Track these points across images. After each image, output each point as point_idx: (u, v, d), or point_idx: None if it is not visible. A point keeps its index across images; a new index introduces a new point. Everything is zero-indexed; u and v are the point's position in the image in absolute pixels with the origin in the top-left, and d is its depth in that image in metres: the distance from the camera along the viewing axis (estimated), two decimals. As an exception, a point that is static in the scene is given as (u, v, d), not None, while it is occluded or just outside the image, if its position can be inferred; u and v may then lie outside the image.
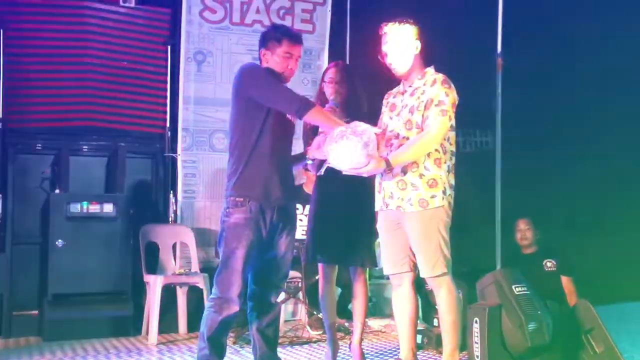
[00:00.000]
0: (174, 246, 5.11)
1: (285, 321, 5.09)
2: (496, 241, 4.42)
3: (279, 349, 3.43)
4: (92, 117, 5.21)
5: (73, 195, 4.83)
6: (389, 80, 3.40)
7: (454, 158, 3.20)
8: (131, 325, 4.80)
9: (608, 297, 3.86)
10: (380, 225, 3.33)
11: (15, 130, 4.98)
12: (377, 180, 3.28)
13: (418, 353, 3.56)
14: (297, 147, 3.53)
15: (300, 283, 4.92)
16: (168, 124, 5.36)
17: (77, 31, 5.19)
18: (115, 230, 4.83)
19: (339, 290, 4.95)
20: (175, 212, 5.23)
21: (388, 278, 3.38)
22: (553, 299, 4.10)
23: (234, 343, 4.48)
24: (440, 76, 3.17)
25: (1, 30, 4.86)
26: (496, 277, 3.80)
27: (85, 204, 4.76)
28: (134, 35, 5.35)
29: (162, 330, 4.66)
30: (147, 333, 4.67)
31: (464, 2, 5.13)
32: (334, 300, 3.87)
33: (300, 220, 4.81)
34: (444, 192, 3.11)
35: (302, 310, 5.13)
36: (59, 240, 4.66)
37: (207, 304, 3.14)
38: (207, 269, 4.90)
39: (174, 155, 5.29)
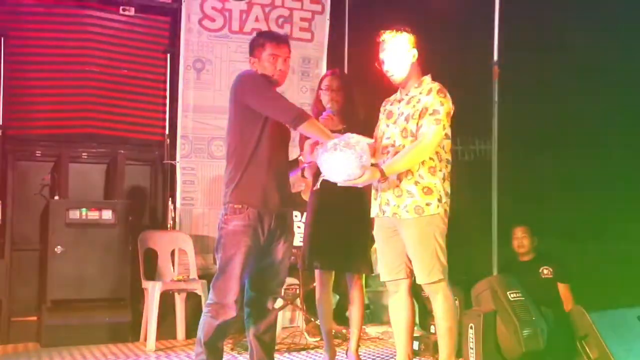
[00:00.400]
0: (172, 253, 5.15)
1: (283, 328, 5.10)
2: (493, 249, 4.46)
3: (276, 356, 3.47)
4: (91, 124, 5.26)
5: (72, 202, 4.86)
6: (387, 88, 3.44)
7: (449, 166, 3.24)
8: (129, 332, 4.83)
9: (603, 303, 3.89)
10: (376, 232, 3.37)
11: (15, 137, 5.02)
12: (373, 187, 3.33)
13: (415, 359, 3.60)
14: (294, 154, 3.57)
15: (298, 290, 4.95)
16: (167, 132, 5.39)
17: (77, 39, 5.24)
18: (114, 237, 4.86)
19: (337, 297, 4.99)
20: (173, 219, 5.26)
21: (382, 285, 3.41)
22: (550, 305, 4.14)
23: (232, 349, 4.52)
24: (436, 85, 3.21)
25: (2, 38, 4.91)
26: (491, 283, 3.84)
27: (84, 210, 4.79)
28: (134, 44, 5.40)
29: (160, 336, 4.69)
30: (145, 339, 4.69)
31: (461, 11, 5.18)
32: (330, 306, 3.91)
33: (298, 227, 4.86)
34: (439, 200, 3.15)
35: (299, 317, 5.15)
36: (58, 247, 4.69)
37: (204, 309, 3.18)
38: (206, 275, 4.93)
39: (172, 162, 5.33)
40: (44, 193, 5.13)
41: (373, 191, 3.34)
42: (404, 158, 3.13)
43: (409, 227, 3.17)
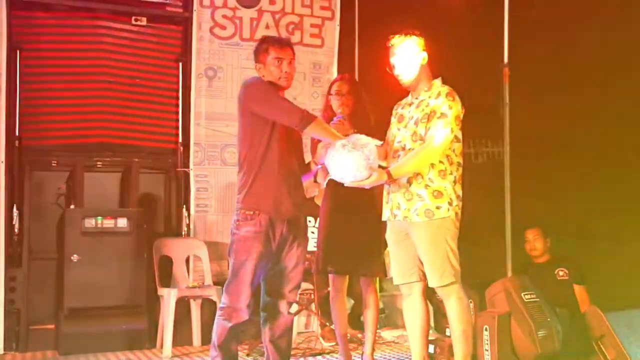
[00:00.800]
0: (187, 260, 5.18)
1: (298, 333, 5.09)
2: (507, 251, 4.44)
3: (292, 361, 3.48)
4: (105, 133, 5.30)
5: (88, 211, 4.89)
6: (398, 93, 3.44)
7: (460, 169, 3.24)
8: (146, 339, 4.86)
9: (619, 303, 3.86)
10: (388, 236, 3.37)
11: (31, 148, 5.07)
12: (385, 191, 3.34)
13: (430, 362, 3.61)
14: (307, 160, 3.59)
15: (312, 295, 4.96)
16: (180, 139, 5.43)
17: (91, 50, 5.30)
18: (129, 245, 4.88)
19: (352, 301, 4.99)
20: (188, 225, 5.29)
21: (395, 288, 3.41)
22: (565, 307, 4.11)
23: (248, 355, 4.53)
24: (445, 88, 3.22)
25: (17, 51, 4.98)
26: (505, 284, 3.83)
27: (99, 219, 4.82)
28: (146, 53, 5.44)
29: (176, 343, 4.71)
30: (161, 346, 4.72)
31: (470, 13, 5.18)
32: (345, 311, 3.91)
33: (312, 232, 4.86)
34: (450, 203, 3.15)
35: (315, 321, 5.16)
36: (74, 255, 4.72)
37: (217, 312, 3.22)
38: (221, 281, 4.88)
39: (186, 170, 5.36)
40: (59, 202, 5.18)
41: (384, 195, 3.35)
42: (410, 161, 3.14)
43: (420, 230, 3.17)
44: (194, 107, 5.39)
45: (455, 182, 3.20)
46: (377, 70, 3.63)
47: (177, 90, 5.48)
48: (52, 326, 4.87)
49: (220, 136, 5.41)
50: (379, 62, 3.46)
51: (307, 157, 3.57)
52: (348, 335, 4.03)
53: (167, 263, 5.08)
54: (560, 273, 4.49)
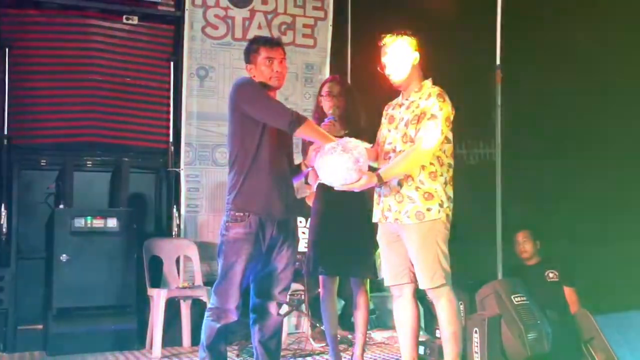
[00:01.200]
0: (177, 260, 5.15)
1: (289, 334, 5.10)
2: (497, 252, 4.45)
3: (281, 362, 3.47)
4: (95, 132, 5.28)
5: (77, 210, 4.85)
6: (390, 94, 3.44)
7: (451, 170, 3.23)
8: (135, 339, 4.83)
9: (609, 306, 3.87)
10: (380, 237, 3.37)
11: (20, 146, 5.05)
12: (376, 193, 3.33)
13: (420, 364, 3.59)
14: (299, 160, 3.58)
15: (303, 296, 4.94)
16: (171, 139, 5.41)
17: (81, 48, 5.27)
18: (119, 245, 4.85)
19: (342, 302, 4.98)
20: (178, 226, 5.28)
21: (386, 289, 3.41)
22: (555, 309, 4.12)
23: (238, 356, 4.52)
24: (435, 89, 3.21)
25: (6, 49, 4.94)
26: (495, 287, 3.83)
27: (89, 218, 4.78)
28: (137, 52, 5.42)
29: (166, 343, 4.68)
30: (151, 347, 4.70)
31: (463, 15, 5.18)
32: (335, 311, 3.91)
33: (303, 233, 4.87)
34: (441, 205, 3.14)
35: (305, 322, 5.15)
36: (63, 255, 4.68)
37: (206, 313, 3.21)
38: (211, 282, 4.85)
39: (177, 169, 5.35)
40: (49, 201, 5.15)
41: (375, 196, 3.34)
42: (400, 163, 3.13)
43: (411, 232, 3.16)
44: (185, 106, 5.38)
45: (446, 183, 3.19)
46: (369, 71, 3.62)
47: (169, 90, 5.46)
48: (40, 326, 4.84)
49: (211, 136, 5.40)
50: (371, 63, 3.45)
51: (298, 159, 3.57)
52: (338, 336, 4.02)
53: (157, 263, 5.05)
54: (550, 275, 4.50)
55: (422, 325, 4.31)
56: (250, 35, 5.52)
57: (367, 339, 4.31)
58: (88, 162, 5.30)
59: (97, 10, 5.28)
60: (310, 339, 4.86)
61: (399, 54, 3.24)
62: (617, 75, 4.63)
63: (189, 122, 5.38)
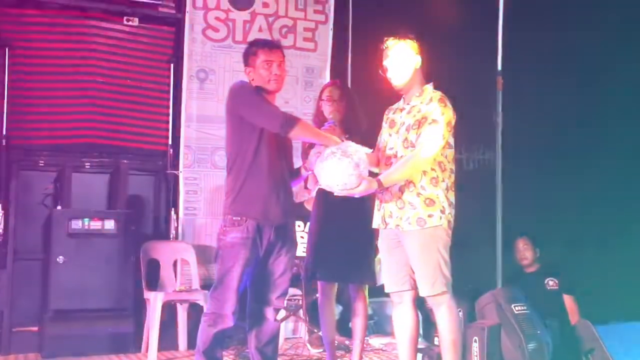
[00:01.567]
0: (175, 263, 5.10)
1: (286, 339, 5.07)
2: (497, 259, 4.40)
3: (278, 368, 3.42)
4: (94, 134, 5.23)
5: (75, 212, 4.81)
6: (390, 98, 3.40)
7: (453, 176, 3.18)
8: (131, 342, 4.77)
9: (610, 316, 3.82)
10: (380, 243, 3.31)
11: (18, 147, 4.99)
12: (377, 198, 3.27)
13: (418, 372, 3.54)
14: (298, 164, 3.53)
15: (300, 301, 4.89)
16: (170, 142, 5.36)
17: (81, 49, 5.22)
18: (117, 247, 4.80)
19: (340, 307, 4.93)
20: (176, 229, 5.22)
21: (388, 295, 3.36)
22: (555, 317, 4.07)
23: (234, 361, 4.47)
24: (437, 94, 3.16)
25: (6, 49, 4.90)
26: (495, 296, 3.79)
27: (86, 220, 4.73)
28: (137, 54, 5.37)
29: (162, 347, 4.62)
30: (147, 350, 4.63)
31: (465, 21, 5.15)
32: (333, 317, 3.86)
33: (302, 237, 4.80)
34: (442, 211, 3.09)
35: (302, 328, 5.10)
36: (60, 257, 4.64)
37: (202, 318, 3.17)
38: (208, 286, 4.81)
39: (175, 172, 5.29)
40: (46, 202, 5.09)
41: (376, 202, 3.28)
42: (400, 169, 3.08)
43: (412, 239, 3.11)
44: (185, 109, 5.32)
45: (447, 189, 3.14)
46: (369, 75, 3.58)
47: (168, 92, 5.41)
48: (35, 328, 4.78)
49: (210, 139, 5.33)
50: (371, 67, 3.42)
51: (298, 162, 3.51)
52: (336, 342, 3.97)
53: (154, 266, 4.99)
54: (550, 283, 4.46)
55: (421, 332, 4.25)
56: (251, 38, 5.46)
57: (365, 346, 4.25)
58: (86, 164, 5.24)
59: (97, 11, 5.23)
60: (308, 345, 4.82)
61: (401, 58, 3.19)
62: (617, 82, 4.61)
63: (188, 124, 5.33)
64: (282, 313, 4.52)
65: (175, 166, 5.30)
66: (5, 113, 4.90)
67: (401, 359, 3.32)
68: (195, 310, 4.82)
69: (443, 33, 4.97)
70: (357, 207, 3.50)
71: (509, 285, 4.09)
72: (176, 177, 5.30)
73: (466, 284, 4.28)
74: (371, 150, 3.22)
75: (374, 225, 3.30)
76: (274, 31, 5.60)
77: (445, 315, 3.12)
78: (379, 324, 5.36)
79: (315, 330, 4.77)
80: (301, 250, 4.68)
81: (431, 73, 3.26)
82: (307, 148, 3.58)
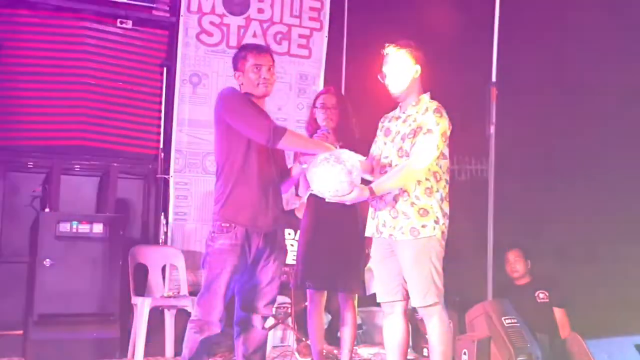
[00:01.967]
0: (163, 268, 5.05)
1: (274, 347, 5.01)
2: (488, 271, 4.38)
3: (266, 376, 3.37)
4: (84, 136, 5.19)
5: (63, 215, 4.75)
6: (385, 106, 3.38)
7: (447, 186, 3.16)
8: (117, 348, 4.70)
9: (600, 330, 3.80)
10: (373, 252, 3.28)
11: (6, 148, 4.95)
12: (371, 206, 3.24)
13: (407, 383, 3.49)
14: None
15: (289, 309, 4.85)
16: (161, 146, 5.33)
17: (73, 51, 5.19)
18: (105, 251, 4.73)
19: (329, 316, 4.89)
20: (165, 233, 5.19)
21: (377, 305, 3.33)
22: (545, 330, 4.06)
23: (221, 368, 4.42)
24: (433, 104, 3.14)
25: (-3, 48, 4.88)
26: (486, 308, 3.77)
27: (75, 223, 4.67)
28: (130, 56, 5.35)
29: (148, 353, 4.57)
30: (133, 356, 4.58)
31: (460, 31, 5.14)
32: (322, 326, 3.84)
33: (291, 245, 4.81)
34: (436, 222, 3.06)
35: (291, 336, 5.05)
36: (47, 260, 4.57)
37: (188, 324, 3.13)
38: (197, 291, 4.76)
39: (166, 176, 5.26)
40: (34, 205, 5.05)
41: (370, 210, 3.25)
42: (393, 177, 3.06)
43: (404, 249, 3.08)
44: (177, 113, 5.29)
45: (442, 199, 3.12)
46: (363, 83, 3.56)
47: (160, 96, 5.39)
48: (19, 332, 4.71)
49: (202, 144, 5.30)
50: (366, 75, 3.39)
51: (290, 163, 3.47)
52: (324, 351, 3.95)
53: (142, 271, 4.94)
54: (541, 295, 4.44)
55: (410, 343, 4.22)
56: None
57: (353, 355, 4.21)
58: (76, 166, 5.21)
59: (91, 13, 5.20)
60: (296, 353, 4.77)
61: (400, 66, 3.17)
62: (611, 97, 4.61)
63: (180, 128, 5.30)
64: (270, 321, 4.49)
65: (166, 170, 5.27)
66: (-6, 113, 4.87)
67: (390, 370, 3.28)
68: (183, 317, 4.74)
69: (438, 42, 4.95)
70: (347, 216, 3.49)
71: (499, 298, 4.06)
72: (166, 182, 5.27)
73: (456, 296, 4.25)
74: (365, 158, 3.20)
75: (368, 233, 3.27)
76: (268, 37, 5.59)
77: (437, 326, 3.10)
78: (367, 334, 5.33)
79: (304, 339, 4.73)
80: (291, 258, 4.66)
81: (428, 82, 3.24)
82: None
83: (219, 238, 3.04)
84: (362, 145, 3.42)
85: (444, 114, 3.11)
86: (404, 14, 5.30)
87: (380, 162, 3.23)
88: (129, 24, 5.29)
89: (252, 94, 3.15)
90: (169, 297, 4.80)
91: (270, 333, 4.60)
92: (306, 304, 3.87)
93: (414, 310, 3.27)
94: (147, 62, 5.40)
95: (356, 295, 3.79)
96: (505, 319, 3.68)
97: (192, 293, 4.85)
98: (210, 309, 3.04)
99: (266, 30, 5.62)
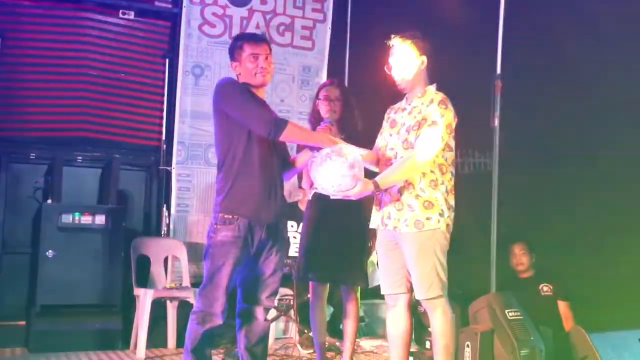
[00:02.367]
0: (165, 260, 5.05)
1: (276, 339, 5.02)
2: (491, 264, 4.37)
3: (268, 368, 3.38)
4: (87, 127, 5.18)
5: (65, 206, 4.76)
6: (389, 98, 3.36)
7: (453, 179, 3.14)
8: (119, 339, 4.73)
9: (605, 323, 3.78)
10: (378, 245, 3.28)
11: (9, 139, 4.95)
12: (376, 198, 3.23)
13: (409, 376, 3.49)
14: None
15: (291, 301, 4.85)
16: (163, 137, 5.33)
17: (76, 42, 5.18)
18: (107, 242, 4.76)
19: (331, 308, 4.89)
20: (167, 225, 5.19)
21: (380, 297, 3.33)
22: (549, 324, 4.04)
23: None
24: (439, 96, 3.12)
25: (0, 39, 4.84)
26: (489, 300, 3.76)
27: (77, 214, 4.69)
28: (133, 48, 5.33)
29: (150, 344, 4.57)
30: (135, 347, 4.59)
31: (464, 23, 5.11)
32: (324, 319, 3.84)
33: (294, 237, 4.82)
34: (441, 214, 3.05)
35: (293, 328, 5.06)
36: (50, 251, 4.59)
37: (190, 316, 3.12)
38: (199, 283, 4.78)
39: (168, 168, 5.26)
40: (37, 196, 5.04)
41: (375, 202, 3.24)
42: (397, 170, 3.04)
43: (409, 241, 3.07)
44: (179, 104, 5.29)
45: (447, 192, 3.10)
46: (367, 74, 3.55)
47: (163, 87, 5.38)
48: (22, 323, 4.72)
49: (204, 135, 5.28)
50: (369, 67, 3.37)
51: (292, 153, 3.47)
52: (326, 343, 3.94)
53: (144, 262, 4.94)
54: (545, 289, 4.42)
55: (412, 335, 4.22)
56: (248, 35, 5.45)
57: (356, 348, 4.22)
58: (78, 158, 5.21)
59: (93, 3, 5.20)
60: (298, 345, 4.78)
61: (406, 57, 3.15)
62: (618, 88, 4.57)
63: (182, 120, 5.29)
64: (273, 313, 4.50)
65: (168, 162, 5.27)
66: (-4, 104, 4.85)
67: (392, 362, 3.28)
68: (185, 308, 4.76)
69: (442, 33, 4.92)
70: (350, 208, 3.46)
71: (503, 290, 4.05)
72: (168, 173, 5.27)
73: (459, 288, 4.24)
74: (367, 152, 3.19)
75: (373, 225, 3.26)
76: (271, 28, 5.58)
77: (440, 319, 3.09)
78: (370, 326, 5.33)
79: (306, 331, 4.73)
80: (293, 250, 4.67)
81: (434, 73, 3.21)
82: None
83: (222, 230, 3.02)
84: (365, 138, 3.41)
85: (449, 105, 3.09)
86: (408, 4, 5.26)
87: (385, 154, 3.21)
88: (131, 15, 5.28)
89: (251, 84, 3.12)
90: (171, 288, 4.81)
91: (273, 325, 4.60)
92: (308, 296, 3.86)
93: (417, 302, 3.25)
94: (150, 53, 5.39)
95: (359, 288, 3.78)
96: (508, 312, 3.67)
97: (194, 284, 4.85)
98: (212, 301, 3.03)
99: (269, 21, 5.61)
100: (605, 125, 4.59)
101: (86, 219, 4.73)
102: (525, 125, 4.88)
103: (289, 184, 4.39)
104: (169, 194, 5.24)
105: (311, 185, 3.54)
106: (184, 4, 5.32)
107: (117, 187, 5.18)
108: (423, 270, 3.05)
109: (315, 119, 3.72)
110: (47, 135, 5.08)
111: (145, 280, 4.91)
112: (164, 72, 5.37)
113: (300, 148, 3.49)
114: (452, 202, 3.12)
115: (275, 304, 4.52)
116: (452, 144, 3.13)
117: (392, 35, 3.19)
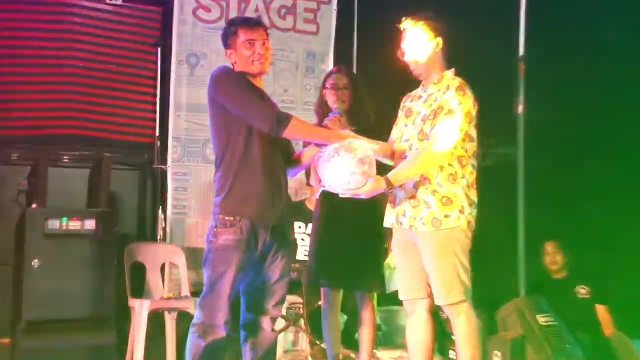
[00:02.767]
0: (162, 267, 5.06)
1: (285, 352, 5.01)
2: (519, 265, 4.36)
3: (277, 384, 3.38)
4: (74, 124, 5.21)
5: (52, 211, 4.77)
6: (402, 86, 3.35)
7: (475, 172, 3.12)
8: (114, 355, 4.72)
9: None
10: (395, 245, 3.27)
11: (-12, 139, 4.99)
12: (391, 194, 3.20)
13: (432, 389, 3.46)
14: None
15: (301, 309, 4.83)
16: (158, 133, 5.35)
17: (59, 30, 5.20)
18: (98, 250, 4.75)
19: (345, 317, 4.88)
20: (164, 229, 5.21)
21: (399, 304, 3.30)
22: (586, 330, 4.03)
23: (227, 376, 4.40)
24: (456, 82, 3.10)
25: (-24, 30, 4.90)
26: (518, 305, 3.75)
27: (65, 220, 4.69)
28: (122, 36, 5.36)
29: (148, 360, 4.60)
30: (131, 364, 4.60)
31: (484, 1, 5.09)
32: (338, 328, 3.85)
33: (303, 240, 4.86)
34: (461, 211, 3.02)
35: (303, 339, 5.05)
36: (36, 261, 4.58)
37: (190, 329, 3.12)
38: (199, 292, 4.81)
39: (163, 167, 5.28)
40: (20, 201, 5.06)
41: (390, 198, 3.22)
42: (411, 165, 3.03)
43: (426, 241, 3.05)
44: (174, 97, 5.29)
45: (468, 187, 3.07)
46: (377, 61, 3.53)
47: (155, 79, 5.40)
48: (7, 341, 4.73)
49: (202, 130, 5.26)
50: (380, 52, 3.36)
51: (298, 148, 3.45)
52: (341, 355, 3.93)
53: (139, 271, 4.95)
54: (582, 291, 4.43)
55: (435, 345, 4.20)
56: (247, 20, 5.43)
57: (373, 359, 4.19)
58: (64, 157, 5.24)
59: (77, -11, 5.26)
60: (310, 358, 4.77)
61: (419, 40, 3.14)
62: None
63: (177, 114, 5.29)
64: (281, 323, 4.49)
65: (163, 160, 5.28)
66: (-27, 101, 4.92)
67: (413, 375, 3.27)
68: (185, 320, 4.76)
69: (459, 13, 4.90)
70: (365, 206, 3.43)
71: (533, 294, 4.03)
72: (164, 173, 5.28)
73: (485, 293, 4.22)
74: (378, 146, 3.17)
75: (387, 224, 3.25)
76: (271, 12, 5.59)
77: (464, 326, 3.07)
78: (388, 336, 5.32)
79: (318, 342, 4.72)
80: (303, 253, 4.68)
81: (452, 56, 3.20)
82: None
83: (223, 233, 3.02)
84: (378, 130, 3.41)
85: (468, 92, 3.06)
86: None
87: (400, 146, 3.19)
88: (119, 1, 5.31)
89: (248, 73, 3.12)
90: (170, 298, 4.83)
91: (281, 336, 4.59)
92: (320, 303, 3.87)
93: (439, 309, 3.22)
94: (140, 42, 5.42)
95: (375, 294, 3.79)
96: (540, 317, 3.66)
97: (195, 294, 4.85)
98: (215, 312, 3.03)
99: (269, 4, 5.60)
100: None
101: (75, 225, 4.72)
102: (552, 111, 4.88)
103: (295, 181, 4.36)
104: (164, 195, 5.25)
105: (320, 182, 3.51)
106: (177, -13, 5.35)
107: (108, 189, 5.19)
108: (443, 274, 3.03)
109: (323, 110, 3.73)
110: (29, 133, 5.10)
111: (140, 290, 4.91)
112: (156, 62, 5.39)
113: (306, 142, 3.48)
114: (474, 198, 3.10)
115: (284, 313, 4.53)
116: (474, 133, 3.10)
117: (404, 18, 3.18)
